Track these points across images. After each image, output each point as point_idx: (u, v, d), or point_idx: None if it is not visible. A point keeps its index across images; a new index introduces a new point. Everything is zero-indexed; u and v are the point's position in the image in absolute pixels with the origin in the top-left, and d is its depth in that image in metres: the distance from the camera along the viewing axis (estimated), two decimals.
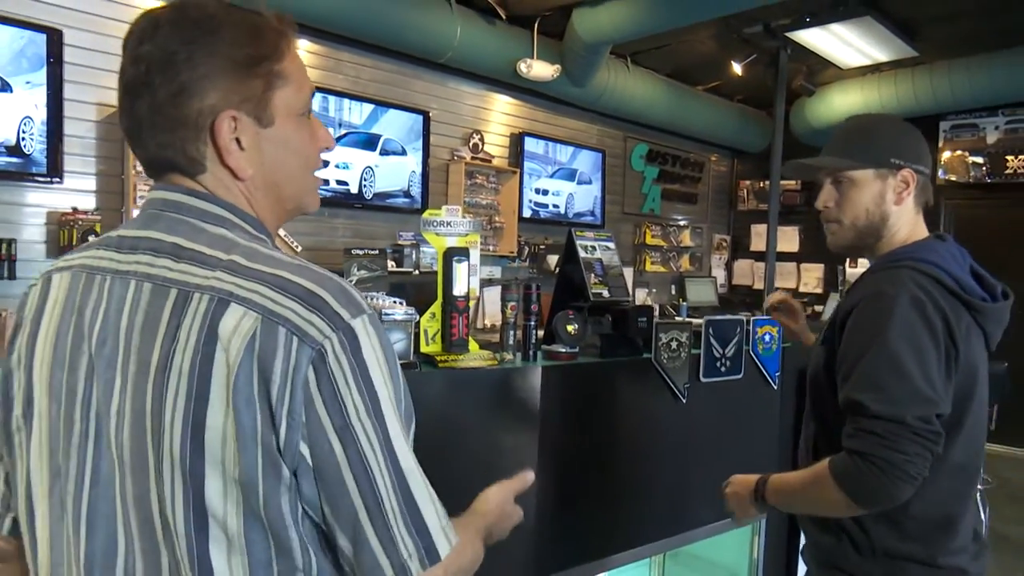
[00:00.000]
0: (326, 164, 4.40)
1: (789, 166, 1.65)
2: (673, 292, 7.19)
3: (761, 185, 7.76)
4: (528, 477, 1.12)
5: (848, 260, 6.64)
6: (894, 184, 1.45)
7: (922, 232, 1.49)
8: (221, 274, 0.78)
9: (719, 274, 7.74)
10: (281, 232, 4.32)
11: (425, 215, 1.86)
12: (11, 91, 3.29)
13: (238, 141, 0.84)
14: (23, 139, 3.33)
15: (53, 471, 0.83)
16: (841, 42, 5.48)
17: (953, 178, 6.81)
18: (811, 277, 7.36)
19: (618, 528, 2.13)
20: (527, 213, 5.78)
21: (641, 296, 6.53)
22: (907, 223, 1.48)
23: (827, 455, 1.35)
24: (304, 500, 0.77)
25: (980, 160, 6.67)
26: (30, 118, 3.35)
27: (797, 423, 2.09)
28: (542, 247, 5.86)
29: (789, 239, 7.34)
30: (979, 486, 4.96)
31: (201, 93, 0.81)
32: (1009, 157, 6.54)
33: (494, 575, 1.84)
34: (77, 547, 0.81)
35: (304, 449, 0.75)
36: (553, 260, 5.71)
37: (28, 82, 3.35)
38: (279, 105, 0.86)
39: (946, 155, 6.84)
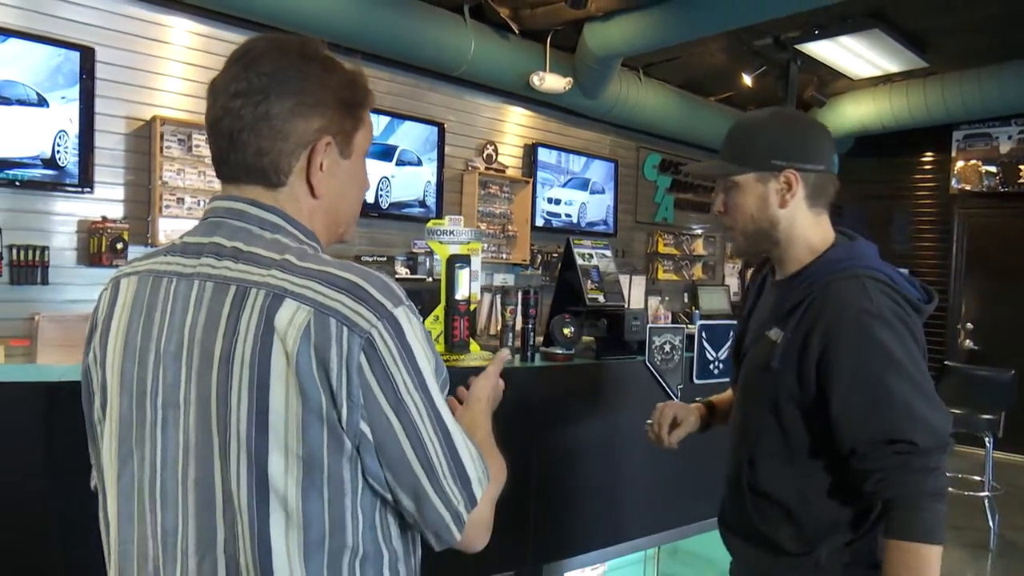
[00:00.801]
0: None
1: (687, 170, 1.73)
2: (686, 300, 7.27)
3: None
4: (504, 354, 1.30)
5: None
6: (776, 187, 1.37)
7: (831, 233, 1.42)
8: (275, 272, 0.88)
9: (732, 282, 7.80)
10: None
11: (429, 224, 1.99)
12: (47, 106, 3.48)
13: (321, 165, 0.96)
14: (58, 152, 3.51)
15: (123, 457, 0.94)
16: (851, 54, 5.55)
17: (967, 187, 6.84)
18: None
19: (612, 523, 2.23)
20: (540, 222, 5.90)
21: (654, 304, 6.61)
22: (807, 225, 1.39)
23: (766, 492, 1.36)
24: (368, 473, 0.88)
25: (993, 169, 6.70)
26: (64, 132, 3.54)
27: None
28: (554, 255, 5.97)
29: None
30: (987, 492, 4.93)
31: (310, 116, 0.94)
32: (1022, 166, 6.56)
33: (492, 565, 1.96)
34: (154, 524, 0.91)
35: (364, 427, 0.86)
36: None
37: (63, 97, 3.53)
38: (358, 143, 1.01)
39: (959, 164, 6.87)
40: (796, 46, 5.39)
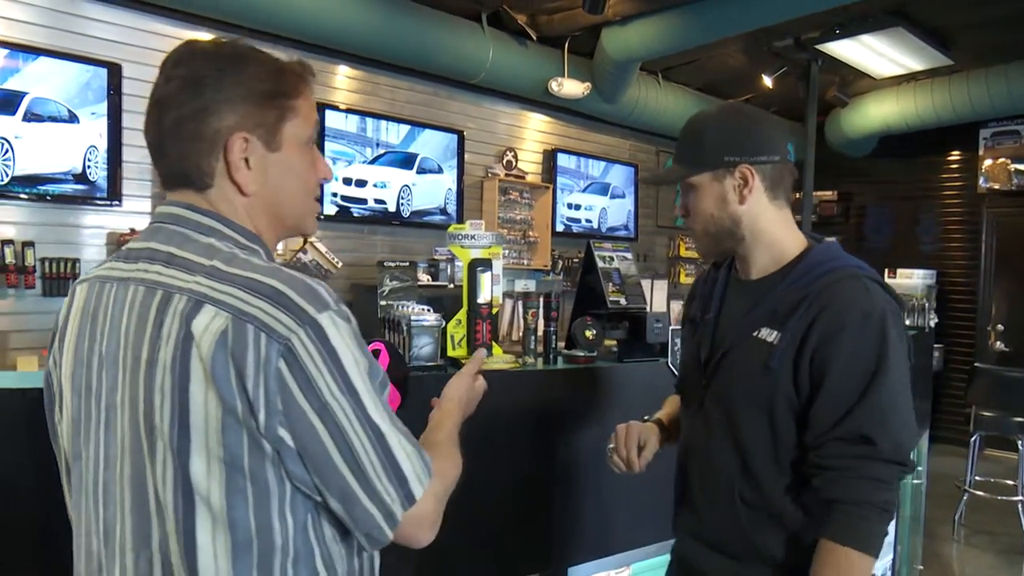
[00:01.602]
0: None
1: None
2: None
3: (796, 196, 7.76)
4: (480, 354, 1.33)
5: (888, 270, 6.59)
6: (733, 183, 1.34)
7: (798, 232, 1.40)
8: (200, 278, 0.88)
9: None
10: (322, 248, 4.53)
11: (451, 229, 2.00)
12: (78, 122, 3.57)
13: (246, 161, 0.95)
14: (88, 167, 3.60)
15: (75, 454, 0.97)
16: (873, 52, 5.50)
17: (995, 186, 6.73)
18: None
19: (637, 525, 2.22)
20: (560, 228, 5.91)
21: (676, 308, 6.58)
22: (772, 220, 1.37)
23: (760, 496, 1.32)
24: (293, 478, 0.88)
25: (1023, 167, 6.59)
26: (95, 147, 3.63)
27: None
28: (575, 260, 5.97)
29: None
30: (1020, 497, 4.83)
31: (220, 113, 0.93)
32: None
33: (518, 566, 1.96)
34: (98, 521, 0.94)
35: (283, 433, 0.85)
36: None
37: (93, 113, 3.62)
38: (288, 134, 0.98)
39: (987, 163, 6.77)
40: (817, 46, 5.35)
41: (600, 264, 2.24)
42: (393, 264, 2.08)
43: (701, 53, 5.51)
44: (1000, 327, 6.76)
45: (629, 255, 2.33)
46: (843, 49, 5.42)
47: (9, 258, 3.48)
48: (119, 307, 0.93)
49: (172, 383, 0.86)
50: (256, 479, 0.87)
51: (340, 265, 4.60)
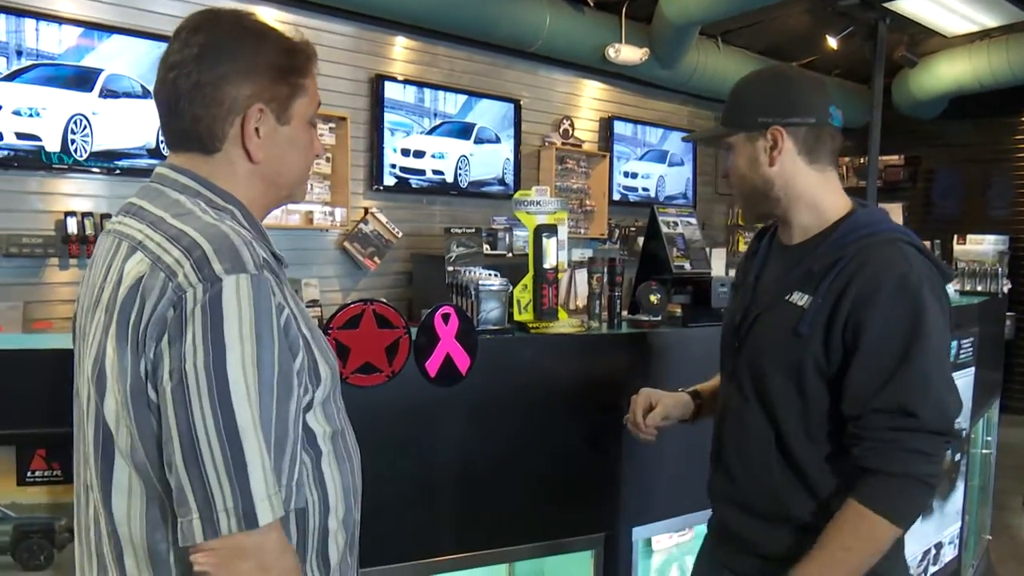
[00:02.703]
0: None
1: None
2: None
3: (861, 161, 7.53)
4: None
5: (957, 236, 6.37)
6: (764, 145, 1.33)
7: (843, 195, 1.37)
8: (144, 227, 0.93)
9: None
10: (382, 218, 4.61)
11: (516, 195, 2.03)
12: (151, 97, 3.67)
13: (257, 131, 0.99)
14: (161, 142, 3.73)
15: (77, 403, 1.00)
16: (945, 9, 5.27)
17: None
18: None
19: (700, 487, 2.24)
20: (616, 196, 5.88)
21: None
22: (811, 183, 1.34)
23: (795, 464, 1.30)
24: None
25: None
26: None
27: None
28: (632, 229, 5.94)
29: (893, 216, 7.05)
30: None
31: (238, 83, 0.97)
32: None
33: (584, 527, 2.00)
34: (76, 459, 0.99)
35: (149, 385, 0.85)
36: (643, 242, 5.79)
37: None
38: (296, 110, 1.03)
39: None
40: (885, 3, 5.15)
41: (664, 229, 2.24)
42: (460, 231, 2.12)
43: (763, 15, 5.37)
44: None
45: (693, 220, 2.32)
46: (913, 6, 5.21)
47: (88, 230, 3.65)
48: (101, 257, 0.98)
49: (103, 325, 0.89)
50: (143, 431, 0.86)
51: (400, 235, 4.68)
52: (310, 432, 0.97)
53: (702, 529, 2.56)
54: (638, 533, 2.10)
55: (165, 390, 0.83)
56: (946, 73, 6.28)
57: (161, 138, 3.73)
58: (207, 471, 0.81)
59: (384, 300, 1.80)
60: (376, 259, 4.62)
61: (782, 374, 1.31)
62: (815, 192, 1.35)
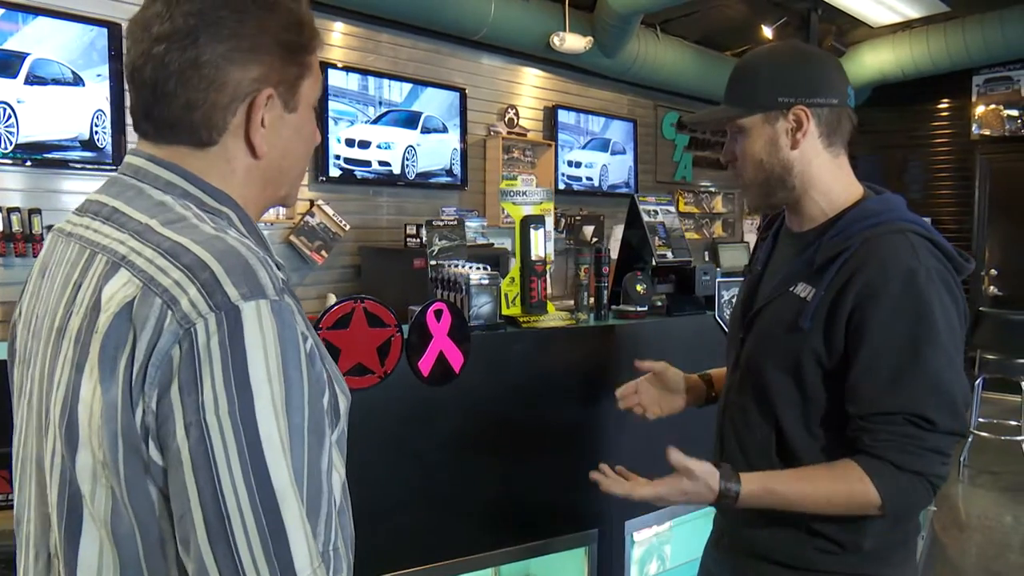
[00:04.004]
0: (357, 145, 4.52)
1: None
2: (707, 258, 7.25)
3: None
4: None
5: None
6: (785, 126, 1.24)
7: (854, 181, 1.30)
8: (127, 237, 0.74)
9: (751, 239, 7.79)
10: (329, 211, 4.46)
11: (502, 185, 1.98)
12: (83, 85, 3.42)
13: (262, 120, 0.82)
14: (96, 132, 3.48)
15: (16, 426, 0.85)
16: (872, 0, 5.47)
17: (987, 132, 6.79)
18: None
19: None
20: (561, 186, 5.87)
21: None
22: (827, 168, 1.27)
23: (797, 461, 1.24)
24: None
25: (1015, 113, 6.64)
26: (102, 111, 3.49)
27: None
28: (578, 218, 5.95)
29: None
30: (1023, 437, 4.94)
31: (247, 64, 0.79)
32: None
33: (577, 523, 1.96)
34: (18, 502, 0.83)
35: (152, 444, 0.68)
36: (589, 231, 5.80)
37: (99, 75, 3.47)
38: (304, 94, 0.86)
39: (980, 109, 6.81)
40: None
41: (645, 218, 2.23)
42: (442, 223, 2.05)
43: (701, 4, 5.44)
44: (994, 272, 6.88)
45: (673, 209, 2.31)
46: None
47: (16, 226, 3.39)
48: (57, 265, 0.80)
49: (72, 358, 0.71)
50: (136, 495, 0.69)
51: (348, 228, 4.54)
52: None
53: (679, 520, 2.58)
54: (631, 527, 2.09)
55: (180, 449, 0.66)
56: (871, 62, 6.52)
57: (97, 128, 3.49)
58: (239, 548, 0.65)
59: (374, 298, 1.73)
60: (323, 253, 4.48)
61: (782, 368, 1.26)
62: (829, 178, 1.28)
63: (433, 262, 2.03)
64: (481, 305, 1.86)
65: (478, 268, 1.92)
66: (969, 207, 7.01)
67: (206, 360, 0.66)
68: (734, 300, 2.16)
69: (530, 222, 1.94)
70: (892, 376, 1.14)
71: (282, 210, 4.19)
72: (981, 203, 6.98)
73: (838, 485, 1.17)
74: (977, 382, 4.90)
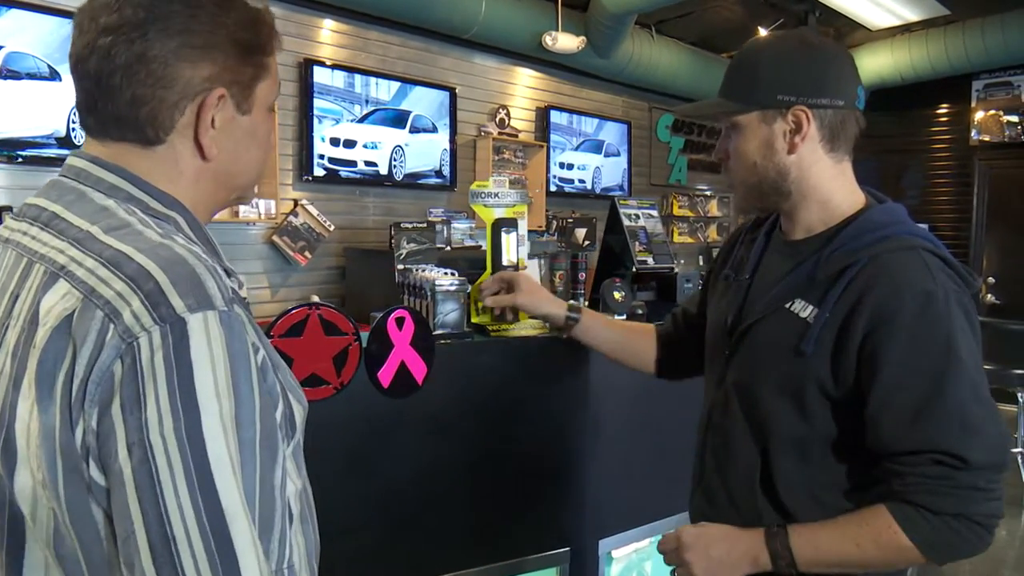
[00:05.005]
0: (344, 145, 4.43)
1: (678, 112, 1.42)
2: (701, 263, 7.17)
3: None
4: None
5: None
6: (784, 128, 1.14)
7: (856, 189, 1.20)
8: (67, 245, 0.71)
9: None
10: (313, 211, 4.37)
11: (473, 187, 1.89)
12: (60, 79, 3.32)
13: (213, 120, 0.79)
14: (73, 129, 3.37)
15: None
16: (871, 2, 5.38)
17: (987, 138, 6.71)
18: None
19: (667, 494, 2.16)
20: (553, 188, 5.78)
21: None
22: (826, 175, 1.17)
23: (780, 493, 1.16)
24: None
25: (1015, 119, 6.55)
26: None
27: None
28: (570, 220, 5.86)
29: None
30: (1019, 449, 4.87)
31: (198, 61, 0.77)
32: None
33: (550, 541, 1.89)
34: None
35: (93, 464, 0.65)
36: (581, 233, 5.72)
37: None
38: (260, 96, 0.84)
39: (979, 115, 6.73)
40: None
41: (626, 222, 2.14)
42: (410, 225, 1.96)
43: (697, 5, 5.36)
44: (991, 280, 6.79)
45: (655, 213, 2.23)
46: None
47: None
48: None
49: (10, 374, 0.68)
50: (78, 517, 0.66)
51: (332, 228, 4.45)
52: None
53: (659, 536, 2.49)
54: (605, 545, 2.00)
55: (122, 470, 0.63)
56: (869, 66, 6.44)
57: (74, 123, 3.39)
58: (185, 572, 0.62)
59: (331, 304, 1.64)
60: (307, 254, 4.39)
61: (778, 394, 1.15)
62: (829, 185, 1.17)
63: (401, 266, 1.94)
64: (447, 312, 1.77)
65: (445, 273, 1.83)
66: (967, 214, 6.93)
67: (150, 376, 0.63)
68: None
69: (501, 225, 1.85)
70: (915, 410, 1.04)
71: (264, 209, 4.10)
72: (979, 210, 6.89)
73: (864, 537, 1.08)
74: None
